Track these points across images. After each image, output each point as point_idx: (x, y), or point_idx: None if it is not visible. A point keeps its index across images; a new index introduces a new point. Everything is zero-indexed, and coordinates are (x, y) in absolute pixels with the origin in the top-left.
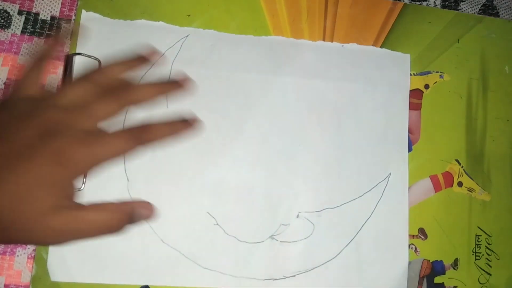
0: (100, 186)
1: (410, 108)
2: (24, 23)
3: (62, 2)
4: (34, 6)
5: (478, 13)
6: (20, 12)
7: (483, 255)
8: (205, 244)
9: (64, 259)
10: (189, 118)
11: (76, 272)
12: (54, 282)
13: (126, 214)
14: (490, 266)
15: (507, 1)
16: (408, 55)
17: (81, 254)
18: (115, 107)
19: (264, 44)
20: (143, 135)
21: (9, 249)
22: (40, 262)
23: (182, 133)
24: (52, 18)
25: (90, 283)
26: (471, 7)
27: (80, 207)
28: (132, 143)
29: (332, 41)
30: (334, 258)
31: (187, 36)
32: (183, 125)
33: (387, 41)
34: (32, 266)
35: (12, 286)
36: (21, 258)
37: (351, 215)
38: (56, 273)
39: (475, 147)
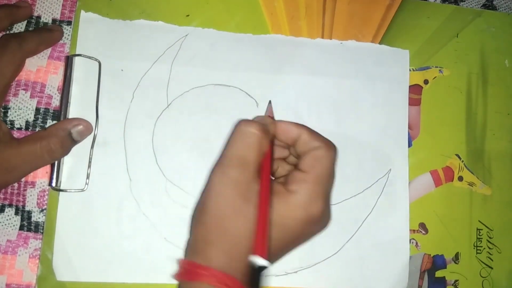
0: (103, 186)
1: (409, 104)
2: (26, 26)
3: (62, 4)
4: (36, 9)
5: None
6: None
7: (484, 248)
8: None
9: (69, 259)
10: (53, 27)
11: (81, 271)
12: (60, 282)
13: (63, 137)
14: (492, 260)
15: (507, 1)
16: (407, 51)
17: (86, 254)
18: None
19: (263, 43)
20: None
21: (10, 249)
22: (45, 262)
23: (48, 38)
24: (54, 20)
25: (95, 282)
26: (470, 7)
27: (14, 142)
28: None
29: (330, 38)
30: (335, 254)
31: (186, 35)
32: (48, 31)
33: (386, 37)
34: (37, 266)
35: (14, 285)
36: (22, 257)
37: (351, 211)
38: (62, 273)
39: (475, 142)
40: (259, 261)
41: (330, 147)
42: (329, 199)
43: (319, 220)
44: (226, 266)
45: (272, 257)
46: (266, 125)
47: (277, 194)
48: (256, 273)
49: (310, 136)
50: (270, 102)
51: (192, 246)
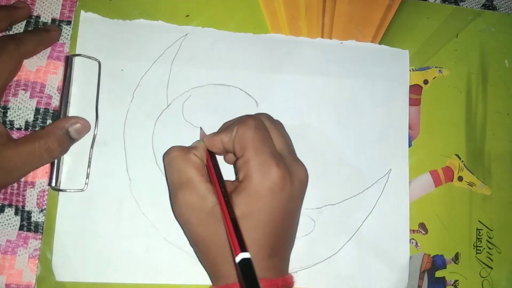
0: (103, 186)
1: (409, 104)
2: (25, 26)
3: (62, 4)
4: (35, 9)
5: None
6: None
7: (484, 248)
8: None
9: (69, 259)
10: (50, 28)
11: (80, 271)
12: (59, 282)
13: (61, 135)
14: (492, 260)
15: (507, 1)
16: (407, 51)
17: (86, 254)
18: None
19: (263, 42)
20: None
21: (10, 249)
22: (44, 263)
23: (45, 38)
24: (53, 20)
25: (94, 283)
26: (470, 7)
27: (12, 142)
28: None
29: (330, 38)
30: (335, 254)
31: (186, 35)
32: (46, 32)
33: (386, 37)
34: (37, 267)
35: (13, 285)
36: (22, 257)
37: (352, 211)
38: (61, 273)
39: (475, 142)
40: (240, 256)
41: (243, 121)
42: (285, 157)
43: (287, 182)
44: None
45: (278, 249)
46: (192, 144)
47: (236, 190)
48: (244, 269)
49: (225, 132)
50: (201, 128)
51: (208, 274)
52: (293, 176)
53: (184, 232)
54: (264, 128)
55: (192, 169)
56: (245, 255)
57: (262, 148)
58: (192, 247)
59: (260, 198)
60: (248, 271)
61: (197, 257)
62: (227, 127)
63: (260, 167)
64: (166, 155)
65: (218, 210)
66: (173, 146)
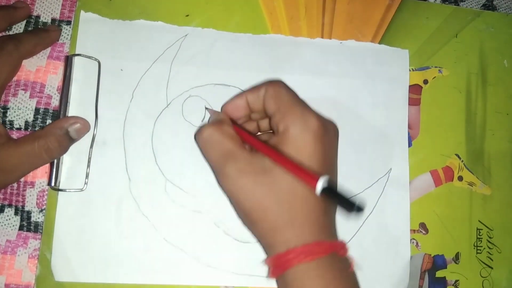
0: (102, 186)
1: (409, 104)
2: (25, 26)
3: (62, 4)
4: (35, 9)
5: None
6: None
7: (484, 248)
8: (207, 242)
9: (68, 259)
10: (50, 28)
11: (80, 272)
12: (58, 282)
13: (61, 136)
14: (492, 260)
15: (507, 1)
16: (406, 51)
17: (85, 254)
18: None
19: (263, 42)
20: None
21: (9, 249)
22: (44, 263)
23: (45, 39)
24: (53, 20)
25: (94, 283)
26: (470, 7)
27: (11, 142)
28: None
29: (330, 38)
30: None
31: (186, 35)
32: (45, 32)
33: (385, 37)
34: (36, 267)
35: (13, 285)
36: (22, 257)
37: None
38: (60, 273)
39: (475, 142)
40: (320, 184)
41: (271, 82)
42: (313, 110)
43: (325, 131)
44: (302, 236)
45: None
46: (215, 118)
47: (280, 143)
48: (331, 192)
49: (251, 92)
50: (206, 108)
51: (265, 245)
52: (328, 127)
53: (235, 205)
54: (288, 90)
55: (231, 139)
56: (324, 179)
57: (298, 101)
58: (244, 218)
59: (305, 146)
60: (336, 193)
61: (249, 228)
62: (252, 88)
63: (300, 117)
64: (199, 135)
65: (270, 169)
66: (202, 126)
